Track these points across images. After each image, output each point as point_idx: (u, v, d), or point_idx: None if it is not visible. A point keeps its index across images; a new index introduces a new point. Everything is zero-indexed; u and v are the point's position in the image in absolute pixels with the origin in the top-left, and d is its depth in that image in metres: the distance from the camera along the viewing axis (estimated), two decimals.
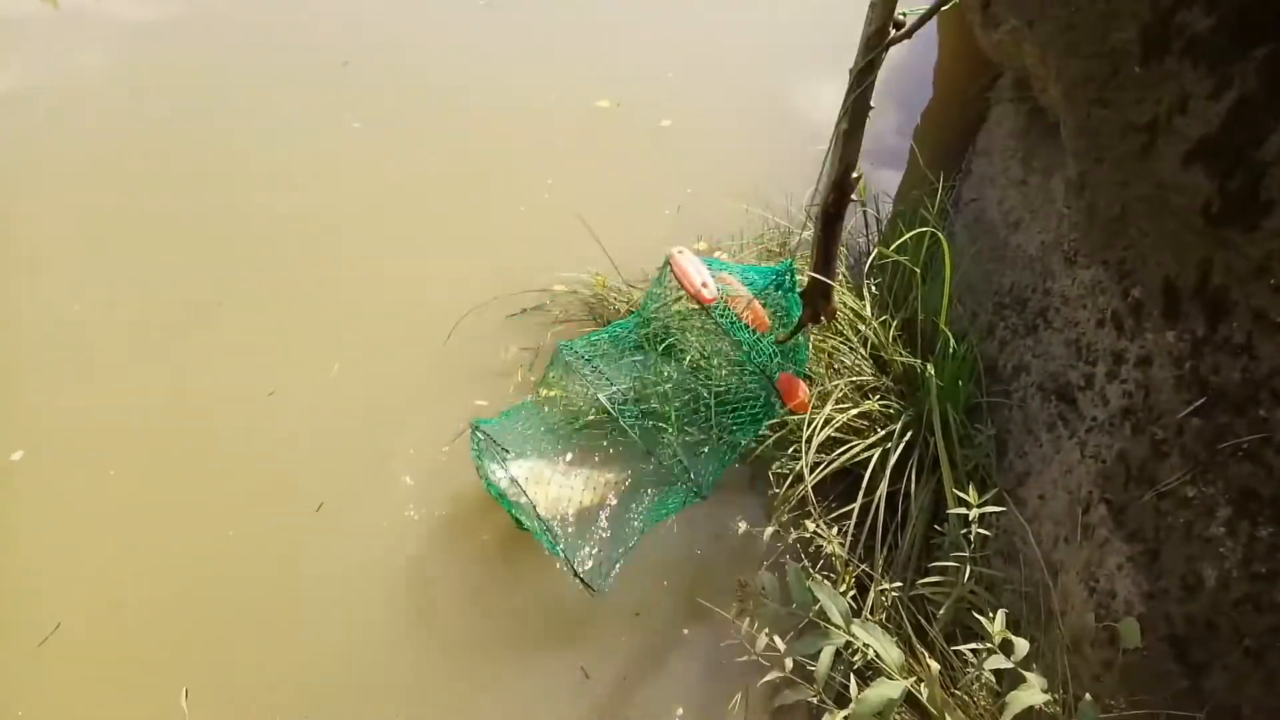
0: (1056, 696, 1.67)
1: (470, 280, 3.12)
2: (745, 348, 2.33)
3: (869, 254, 3.07)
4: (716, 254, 2.85)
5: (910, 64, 4.53)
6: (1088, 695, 1.43)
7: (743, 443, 2.48)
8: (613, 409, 2.41)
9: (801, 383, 2.43)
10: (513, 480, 2.35)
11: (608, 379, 2.52)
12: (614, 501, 2.56)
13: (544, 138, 3.91)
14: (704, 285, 2.35)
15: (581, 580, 2.24)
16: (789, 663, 1.46)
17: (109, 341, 3.03)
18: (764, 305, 2.46)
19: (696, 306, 2.38)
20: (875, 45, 2.13)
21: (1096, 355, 2.08)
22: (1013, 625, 1.91)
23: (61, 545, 2.52)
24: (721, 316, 2.34)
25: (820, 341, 2.76)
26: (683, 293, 2.41)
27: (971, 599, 1.97)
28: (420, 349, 2.96)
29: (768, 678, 1.48)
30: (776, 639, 1.53)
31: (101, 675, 2.30)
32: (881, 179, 3.78)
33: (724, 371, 2.53)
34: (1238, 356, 1.60)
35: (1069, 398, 2.13)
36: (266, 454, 2.74)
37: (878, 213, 3.21)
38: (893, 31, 2.07)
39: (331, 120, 3.94)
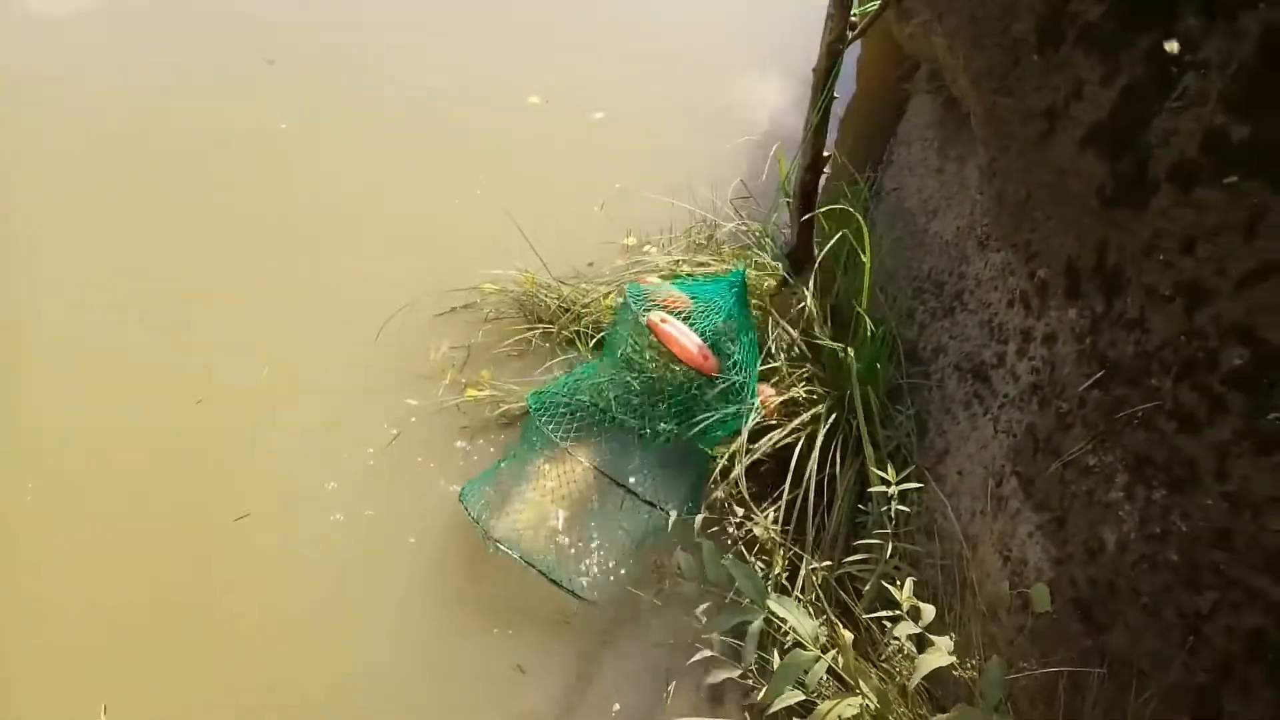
0: (973, 662, 1.74)
1: (400, 278, 3.11)
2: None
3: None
4: (669, 262, 2.86)
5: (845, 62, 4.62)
6: (994, 656, 1.49)
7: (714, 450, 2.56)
8: (601, 470, 2.49)
9: (769, 391, 2.53)
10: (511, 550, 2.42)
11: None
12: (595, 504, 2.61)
13: (475, 135, 3.90)
14: (704, 356, 2.44)
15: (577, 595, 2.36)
16: (715, 639, 1.50)
17: (29, 346, 2.96)
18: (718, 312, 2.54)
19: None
20: (836, 51, 2.34)
21: (1007, 334, 2.16)
22: (933, 596, 1.98)
23: None
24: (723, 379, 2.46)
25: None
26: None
27: (895, 574, 2.04)
28: (350, 349, 2.94)
29: (695, 658, 1.52)
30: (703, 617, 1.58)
31: (19, 687, 2.24)
32: None
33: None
34: (1131, 330, 1.68)
35: (983, 376, 2.21)
36: (195, 460, 2.69)
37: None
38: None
39: (257, 120, 3.87)
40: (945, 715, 1.34)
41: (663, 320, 2.47)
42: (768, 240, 3.16)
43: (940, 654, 1.39)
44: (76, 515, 2.56)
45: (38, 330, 3.02)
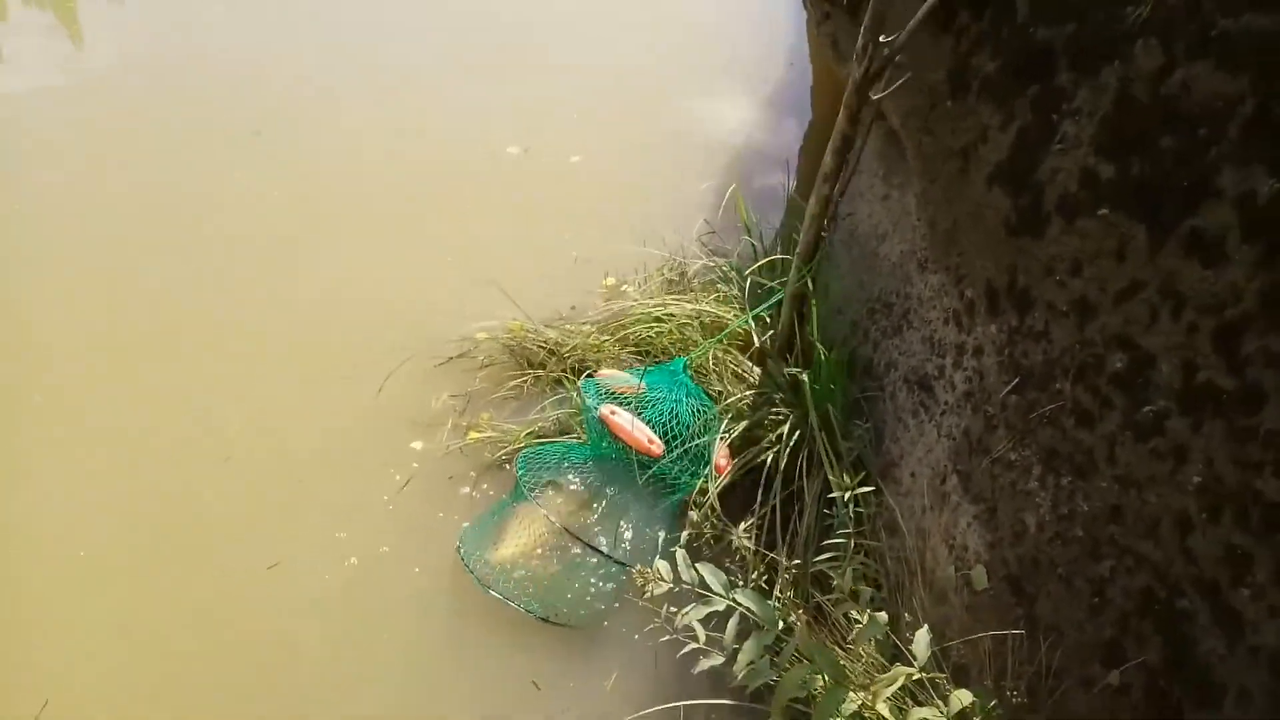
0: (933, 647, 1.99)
1: (398, 333, 3.38)
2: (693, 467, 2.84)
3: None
4: (614, 371, 3.19)
5: (802, 85, 4.96)
6: (924, 626, 1.75)
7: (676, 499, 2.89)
8: (566, 529, 2.77)
9: (724, 452, 2.85)
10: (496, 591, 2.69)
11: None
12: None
13: (459, 189, 4.20)
14: (651, 442, 2.84)
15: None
16: (701, 634, 1.75)
17: (43, 393, 3.22)
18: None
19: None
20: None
21: (945, 349, 2.44)
22: (895, 584, 2.24)
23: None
24: (671, 464, 2.84)
25: (724, 354, 3.10)
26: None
27: (862, 568, 2.30)
28: (357, 403, 3.20)
29: (684, 651, 1.77)
30: (693, 621, 1.82)
31: None
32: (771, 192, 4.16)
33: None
34: (1039, 342, 1.96)
35: (927, 387, 2.48)
36: (222, 513, 2.93)
37: (761, 241, 3.56)
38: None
39: (248, 190, 4.15)
40: (885, 675, 1.59)
41: (613, 412, 2.85)
42: (733, 274, 3.44)
43: (877, 624, 1.64)
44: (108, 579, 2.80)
45: (57, 397, 3.26)
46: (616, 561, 2.66)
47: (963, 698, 1.56)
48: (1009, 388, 2.02)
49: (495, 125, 4.57)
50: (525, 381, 3.19)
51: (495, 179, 4.26)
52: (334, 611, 2.70)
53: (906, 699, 1.65)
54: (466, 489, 2.98)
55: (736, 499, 2.80)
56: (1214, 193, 1.51)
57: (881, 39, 2.43)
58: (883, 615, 1.69)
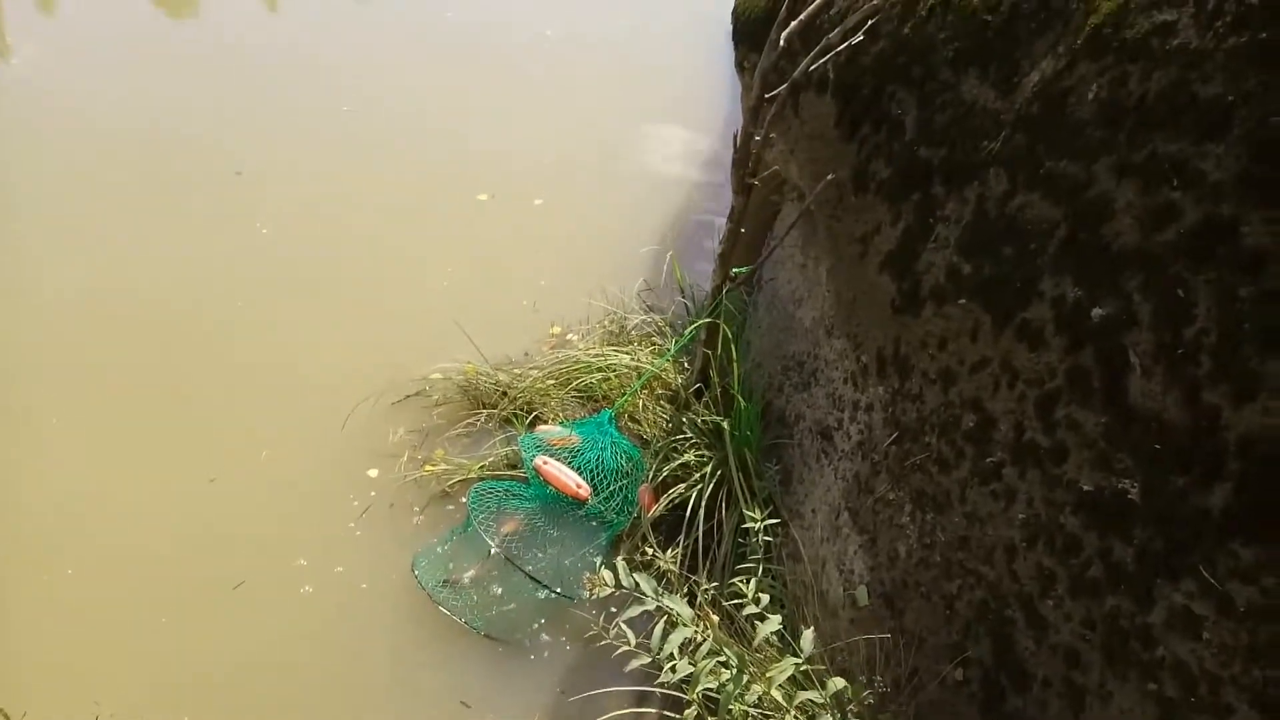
0: (822, 651, 2.39)
1: (362, 371, 3.69)
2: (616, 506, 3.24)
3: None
4: (551, 426, 3.56)
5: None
6: (810, 629, 2.14)
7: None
8: (508, 557, 3.11)
9: (649, 490, 3.23)
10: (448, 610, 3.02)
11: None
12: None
13: (430, 237, 4.56)
14: (579, 486, 3.20)
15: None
16: (631, 637, 2.09)
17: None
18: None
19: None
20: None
21: (844, 405, 2.87)
22: (794, 602, 2.64)
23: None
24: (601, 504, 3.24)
25: (652, 403, 3.49)
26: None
27: (769, 588, 2.69)
28: (323, 437, 3.49)
29: (619, 652, 2.11)
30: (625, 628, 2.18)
31: None
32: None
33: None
34: (914, 402, 2.39)
35: (828, 436, 2.91)
36: (200, 538, 3.19)
37: (692, 300, 3.99)
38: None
39: (230, 226, 4.43)
40: (778, 664, 1.96)
41: (545, 463, 3.22)
42: (667, 328, 3.85)
43: (772, 623, 2.02)
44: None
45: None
46: (552, 590, 2.99)
47: (838, 683, 1.95)
48: (890, 439, 2.45)
49: (468, 172, 4.95)
50: (478, 420, 3.53)
51: (463, 226, 4.64)
52: (288, 628, 2.97)
53: (795, 689, 2.03)
54: (419, 518, 3.29)
55: (664, 532, 3.17)
56: (1038, 294, 1.96)
57: (756, 136, 2.92)
58: (777, 617, 2.07)
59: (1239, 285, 1.46)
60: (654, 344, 3.78)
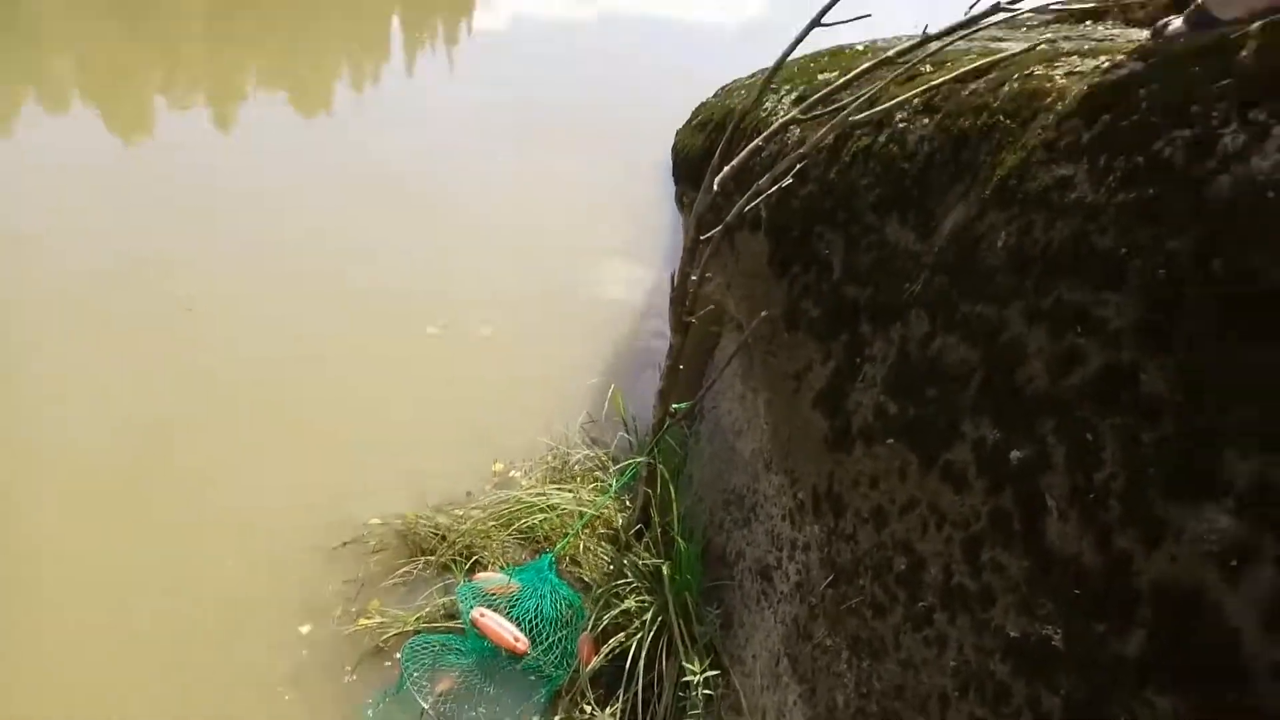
0: None
1: (300, 516, 3.58)
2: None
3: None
4: (491, 573, 3.48)
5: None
6: None
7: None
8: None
9: (589, 641, 3.13)
10: None
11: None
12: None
13: (377, 373, 4.53)
14: (517, 640, 3.13)
15: None
16: None
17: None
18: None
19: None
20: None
21: (783, 543, 2.81)
22: None
23: None
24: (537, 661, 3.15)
25: (594, 544, 3.40)
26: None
27: None
28: (254, 593, 3.33)
29: None
30: None
31: None
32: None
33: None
34: (849, 542, 2.35)
35: (768, 577, 2.84)
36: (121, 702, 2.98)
37: (635, 433, 3.96)
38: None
39: (169, 368, 4.35)
40: None
41: (482, 614, 3.14)
42: (610, 462, 3.80)
43: None
44: None
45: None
46: None
47: None
48: (826, 581, 2.40)
49: (418, 306, 4.96)
50: (416, 567, 3.41)
51: (411, 362, 4.62)
52: None
53: None
54: (352, 677, 3.11)
55: (605, 685, 3.03)
56: (960, 435, 1.97)
57: (693, 276, 2.97)
58: None
59: (1141, 430, 1.47)
60: (597, 479, 3.73)
